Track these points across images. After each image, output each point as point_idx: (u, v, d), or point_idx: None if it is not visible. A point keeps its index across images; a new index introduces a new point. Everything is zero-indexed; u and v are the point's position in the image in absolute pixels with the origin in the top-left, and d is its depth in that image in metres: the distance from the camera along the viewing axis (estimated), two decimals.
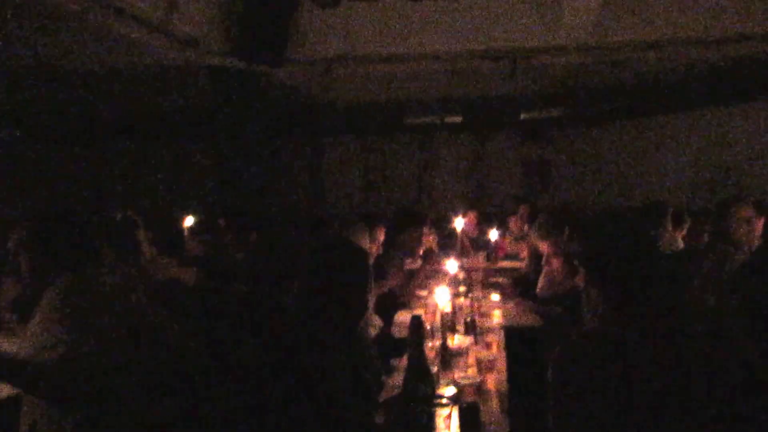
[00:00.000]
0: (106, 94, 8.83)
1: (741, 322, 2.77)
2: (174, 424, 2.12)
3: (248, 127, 7.74)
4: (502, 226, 7.41)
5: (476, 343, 3.36)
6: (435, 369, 2.61)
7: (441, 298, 3.56)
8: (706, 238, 4.17)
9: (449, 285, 4.24)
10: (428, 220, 6.90)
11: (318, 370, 1.94)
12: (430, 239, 6.43)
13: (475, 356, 2.92)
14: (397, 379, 2.58)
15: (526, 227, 6.78)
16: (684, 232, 5.33)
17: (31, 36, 6.35)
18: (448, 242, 6.85)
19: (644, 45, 7.12)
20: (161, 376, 2.15)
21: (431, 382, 2.34)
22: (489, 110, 10.02)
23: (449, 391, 2.51)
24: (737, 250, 3.51)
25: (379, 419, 2.32)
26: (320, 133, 10.84)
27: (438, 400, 2.39)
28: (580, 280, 1.89)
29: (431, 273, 5.11)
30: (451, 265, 4.67)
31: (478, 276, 5.23)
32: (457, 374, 2.69)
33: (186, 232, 4.87)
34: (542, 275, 4.14)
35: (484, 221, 7.50)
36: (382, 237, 4.35)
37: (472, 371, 2.77)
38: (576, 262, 1.91)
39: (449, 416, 2.28)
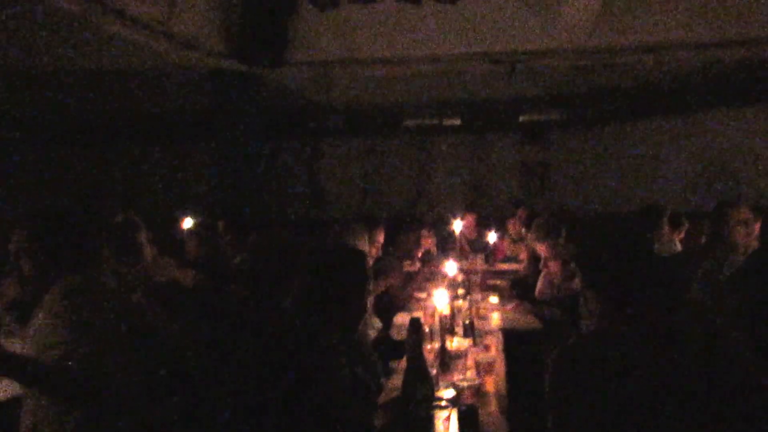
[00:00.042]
0: (105, 95, 8.83)
1: (739, 324, 2.78)
2: (174, 425, 2.13)
3: (247, 128, 7.75)
4: (501, 229, 7.42)
5: (475, 345, 3.37)
6: (434, 371, 2.61)
7: (439, 300, 3.56)
8: (703, 240, 4.18)
9: (448, 287, 4.24)
10: (427, 223, 6.92)
11: (317, 372, 1.94)
12: (428, 241, 6.44)
13: (474, 358, 2.93)
14: (397, 381, 2.59)
15: (523, 230, 6.80)
16: (682, 234, 5.34)
17: (30, 37, 6.35)
18: (447, 244, 6.86)
19: (643, 48, 7.13)
20: (161, 377, 2.15)
21: (430, 385, 2.34)
22: (488, 112, 10.03)
23: (448, 393, 2.52)
24: (734, 253, 3.52)
25: (378, 421, 2.33)
26: (319, 135, 10.83)
27: (437, 403, 2.40)
28: (577, 283, 1.90)
29: (430, 275, 5.12)
30: (450, 268, 4.67)
31: (476, 278, 5.23)
32: (456, 376, 2.69)
33: (184, 234, 4.86)
34: (540, 278, 4.15)
35: (482, 224, 7.50)
36: (381, 239, 4.36)
37: (470, 373, 2.78)
38: (572, 265, 1.92)
39: (448, 418, 2.28)
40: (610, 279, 1.75)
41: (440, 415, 2.32)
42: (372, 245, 4.10)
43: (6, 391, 2.57)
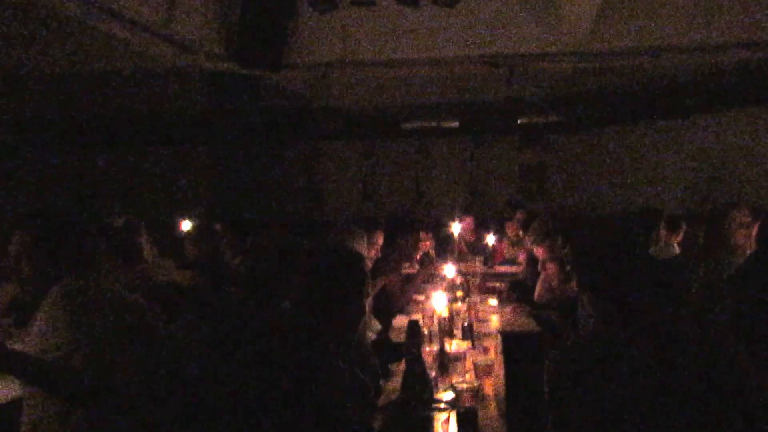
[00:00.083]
0: (104, 97, 8.84)
1: (738, 326, 2.79)
2: (174, 426, 2.13)
3: (246, 131, 7.76)
4: (500, 231, 7.42)
5: (474, 347, 3.37)
6: (433, 374, 2.62)
7: (438, 302, 3.57)
8: (701, 242, 4.18)
9: (446, 290, 4.24)
10: (425, 225, 6.91)
11: (316, 373, 1.94)
12: (427, 244, 6.44)
13: (473, 361, 2.93)
14: (396, 383, 2.59)
15: (521, 232, 6.80)
16: (680, 237, 5.34)
17: (30, 40, 6.36)
18: (446, 247, 6.86)
19: (641, 51, 7.15)
20: (161, 378, 2.15)
21: (429, 387, 2.35)
22: (486, 115, 10.05)
23: (447, 395, 2.52)
24: (734, 255, 3.53)
25: (377, 423, 2.33)
26: (317, 138, 10.84)
27: (436, 405, 2.40)
28: (575, 285, 1.90)
29: (428, 278, 5.12)
30: (449, 270, 4.68)
31: (475, 281, 5.24)
32: (455, 379, 2.69)
33: (184, 236, 4.87)
34: (539, 281, 4.16)
35: (481, 226, 7.51)
36: (380, 241, 4.36)
37: (469, 376, 2.78)
38: (569, 268, 1.93)
39: (447, 420, 2.29)
40: (606, 282, 1.76)
41: (439, 418, 2.33)
42: (371, 247, 4.11)
43: (7, 392, 2.57)
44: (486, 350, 3.23)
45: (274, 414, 1.91)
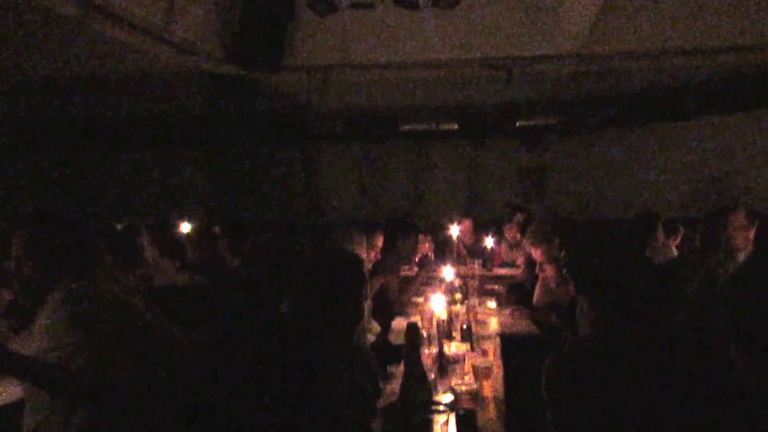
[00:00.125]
0: (103, 99, 8.85)
1: (735, 329, 2.79)
2: (173, 428, 2.13)
3: (245, 133, 7.76)
4: (498, 234, 7.43)
5: (472, 350, 3.38)
6: (432, 376, 2.62)
7: (437, 305, 3.57)
8: (698, 245, 4.19)
9: (445, 292, 4.25)
10: (424, 228, 6.92)
11: (315, 376, 1.95)
12: (425, 246, 6.44)
13: (472, 363, 2.93)
14: (395, 385, 2.59)
15: (518, 235, 6.81)
16: (678, 240, 5.35)
17: (29, 42, 6.36)
18: (444, 249, 6.86)
19: (639, 54, 7.17)
20: (160, 380, 2.16)
21: (428, 389, 2.35)
22: (485, 118, 10.06)
23: (446, 397, 2.53)
24: (731, 257, 3.53)
25: (376, 426, 2.33)
26: (316, 140, 10.84)
27: (435, 407, 2.40)
28: (573, 288, 1.91)
29: (427, 280, 5.12)
30: (447, 273, 4.68)
31: (474, 283, 5.24)
32: (454, 381, 2.69)
33: (183, 238, 4.88)
34: (538, 285, 4.15)
35: (480, 228, 7.51)
36: (380, 243, 4.37)
37: (468, 378, 2.78)
38: (564, 272, 1.93)
39: (446, 423, 2.29)
40: (601, 286, 1.76)
41: (438, 420, 2.33)
42: (371, 249, 4.11)
43: (8, 394, 2.57)
44: (485, 352, 3.23)
45: (274, 416, 1.91)
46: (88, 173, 10.78)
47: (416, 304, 4.74)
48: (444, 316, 3.57)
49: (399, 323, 4.24)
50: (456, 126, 10.10)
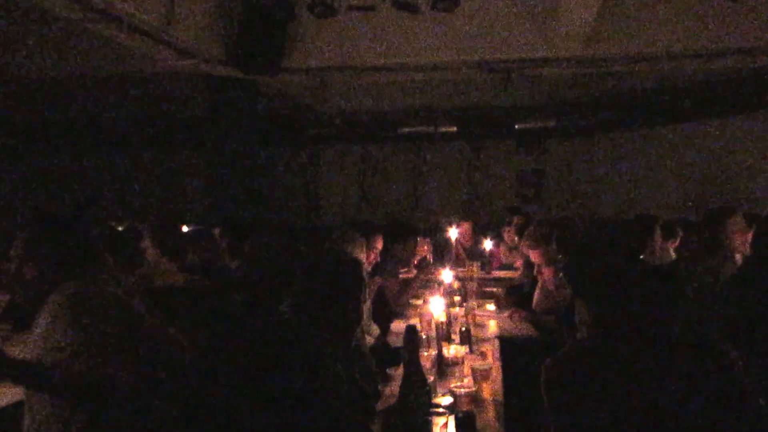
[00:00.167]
0: (103, 101, 8.85)
1: (732, 332, 2.80)
2: (173, 430, 2.14)
3: (244, 135, 7.77)
4: (497, 236, 7.43)
5: (471, 352, 3.38)
6: (431, 378, 2.62)
7: (436, 307, 3.58)
8: (695, 247, 4.20)
9: (444, 294, 4.25)
10: (423, 230, 6.92)
11: (314, 378, 1.95)
12: (424, 249, 6.44)
13: (471, 366, 2.94)
14: (394, 388, 2.60)
15: (515, 238, 6.82)
16: (676, 243, 5.35)
17: (30, 44, 6.37)
18: (443, 252, 6.86)
19: (638, 57, 7.19)
20: (161, 381, 2.16)
21: (427, 392, 2.35)
22: (484, 120, 10.07)
23: (445, 400, 2.53)
24: (729, 261, 3.55)
25: (376, 428, 2.34)
26: (315, 142, 10.86)
27: (434, 409, 2.41)
28: (570, 291, 1.92)
29: (426, 282, 5.13)
30: (446, 275, 4.69)
31: (472, 286, 5.24)
32: (453, 383, 2.70)
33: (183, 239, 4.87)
34: (537, 289, 4.16)
35: (478, 231, 7.52)
36: (380, 246, 4.37)
37: (467, 381, 2.79)
38: (561, 275, 1.94)
39: (445, 425, 2.30)
40: (598, 289, 1.77)
41: (437, 422, 2.34)
42: (370, 251, 4.11)
43: (8, 395, 2.57)
44: (484, 355, 3.23)
45: (273, 418, 1.92)
46: (89, 174, 10.78)
47: (415, 307, 4.74)
48: (443, 318, 3.58)
49: (398, 325, 4.25)
50: (455, 128, 10.11)
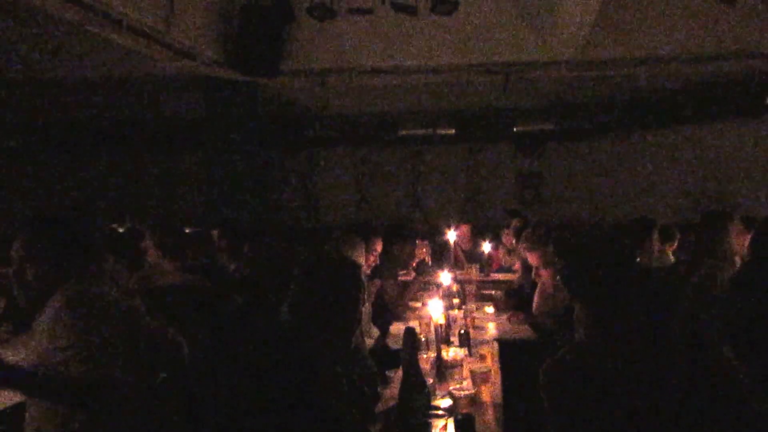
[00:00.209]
0: (102, 103, 8.85)
1: (730, 335, 2.81)
2: (173, 430, 2.14)
3: (243, 137, 7.77)
4: (496, 239, 7.44)
5: (470, 355, 3.39)
6: (430, 381, 2.63)
7: (435, 310, 3.58)
8: (692, 250, 4.20)
9: (443, 297, 4.25)
10: (421, 232, 6.92)
11: (313, 380, 1.95)
12: (423, 251, 6.45)
13: (470, 368, 2.94)
14: (393, 390, 2.60)
15: (513, 241, 6.83)
16: (674, 246, 5.36)
17: (29, 46, 6.37)
18: (442, 254, 6.87)
19: (635, 61, 7.22)
20: (160, 382, 2.17)
21: (426, 394, 2.36)
22: (482, 123, 10.08)
23: (445, 402, 2.53)
24: (727, 264, 3.55)
25: (375, 430, 2.34)
26: (314, 144, 10.85)
27: (434, 412, 2.41)
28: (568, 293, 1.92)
29: (424, 285, 5.14)
30: (445, 278, 4.69)
31: (471, 288, 5.25)
32: (452, 386, 2.71)
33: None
34: (536, 293, 4.16)
35: (477, 233, 7.52)
36: (379, 248, 4.37)
37: (467, 383, 2.79)
38: (557, 279, 1.95)
39: (445, 427, 2.30)
40: (594, 292, 1.77)
41: (437, 424, 2.34)
42: (369, 254, 4.12)
43: (9, 397, 2.58)
44: (483, 357, 3.24)
45: (272, 420, 1.92)
46: (88, 176, 10.76)
47: (414, 309, 4.75)
48: (442, 320, 3.58)
49: (397, 328, 4.25)
50: (453, 131, 10.11)
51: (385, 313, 4.49)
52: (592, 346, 1.76)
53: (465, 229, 7.44)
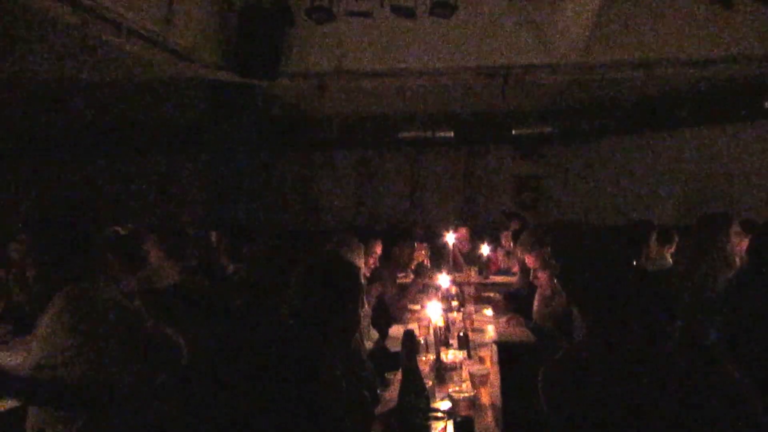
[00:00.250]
0: (102, 106, 8.85)
1: (728, 338, 2.82)
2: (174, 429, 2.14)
3: (242, 139, 7.78)
4: (495, 241, 7.45)
5: (469, 357, 3.39)
6: (429, 383, 2.63)
7: (433, 312, 3.58)
8: (689, 254, 4.21)
9: (441, 299, 4.26)
10: (420, 235, 6.93)
11: (313, 382, 1.96)
12: (422, 254, 6.45)
13: (469, 370, 2.95)
14: (393, 392, 2.60)
15: (511, 243, 6.84)
16: (673, 248, 5.38)
17: (30, 48, 6.37)
18: (441, 257, 6.87)
19: (634, 64, 7.23)
20: (161, 383, 2.17)
21: (426, 396, 2.36)
22: (481, 126, 10.10)
23: (444, 405, 2.53)
24: (725, 268, 3.56)
25: None
26: (313, 147, 10.87)
27: (433, 414, 2.41)
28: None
29: (423, 287, 5.14)
30: (444, 280, 4.69)
31: (470, 291, 5.25)
32: (452, 388, 2.71)
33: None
34: (536, 297, 4.16)
35: (476, 236, 7.53)
36: (379, 250, 4.38)
37: (466, 385, 2.79)
38: (555, 282, 1.95)
39: (444, 430, 2.30)
40: (591, 295, 1.78)
41: (436, 427, 2.34)
42: (369, 256, 4.12)
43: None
44: (482, 360, 3.24)
45: (272, 422, 1.92)
46: (89, 178, 10.76)
47: (413, 312, 4.75)
48: (441, 323, 3.58)
49: (396, 330, 4.25)
50: (452, 134, 10.12)
51: (384, 316, 4.49)
52: (592, 348, 1.76)
53: (464, 231, 7.44)
